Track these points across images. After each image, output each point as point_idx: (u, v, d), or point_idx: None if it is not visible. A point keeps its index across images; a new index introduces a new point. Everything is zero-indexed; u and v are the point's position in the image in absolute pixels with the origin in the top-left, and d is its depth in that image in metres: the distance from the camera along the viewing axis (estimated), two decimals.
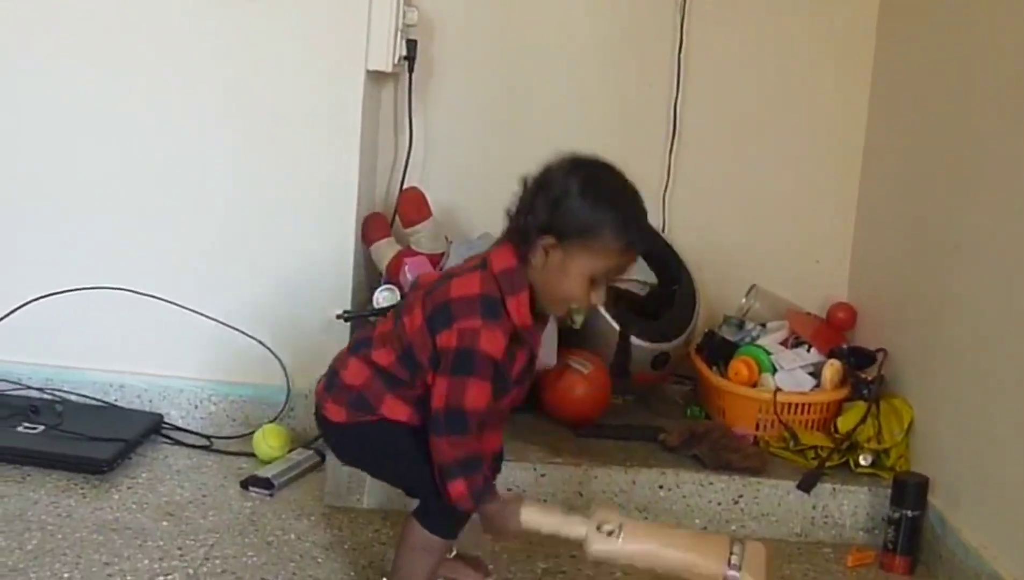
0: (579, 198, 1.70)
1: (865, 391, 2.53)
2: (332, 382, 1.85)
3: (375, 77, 2.71)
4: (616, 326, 2.62)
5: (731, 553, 1.68)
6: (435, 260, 2.65)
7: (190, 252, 2.67)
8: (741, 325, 2.78)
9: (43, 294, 2.62)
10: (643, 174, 2.90)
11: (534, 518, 1.74)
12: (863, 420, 2.46)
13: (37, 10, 2.60)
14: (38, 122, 2.64)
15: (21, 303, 2.63)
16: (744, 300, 2.87)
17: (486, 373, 1.70)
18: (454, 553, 2.01)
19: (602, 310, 2.59)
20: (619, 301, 2.70)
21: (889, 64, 2.87)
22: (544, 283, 1.73)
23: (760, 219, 3.02)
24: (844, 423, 2.49)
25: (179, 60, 2.62)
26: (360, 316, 2.55)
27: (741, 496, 2.36)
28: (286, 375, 2.67)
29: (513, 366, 1.79)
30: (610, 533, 1.68)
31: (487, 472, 1.79)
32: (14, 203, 2.66)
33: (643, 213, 1.79)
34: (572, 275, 1.72)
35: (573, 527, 1.71)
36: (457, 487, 1.72)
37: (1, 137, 2.65)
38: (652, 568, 1.74)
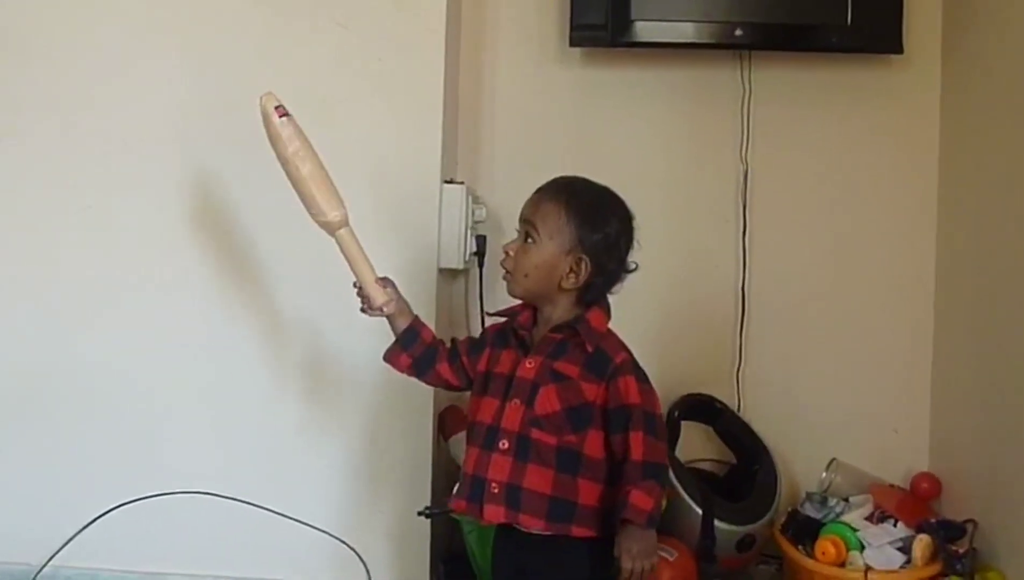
0: None
1: (959, 566, 2.46)
2: None
3: (447, 273, 2.79)
4: (699, 510, 2.59)
5: None
6: None
7: (267, 452, 2.71)
8: (824, 501, 2.73)
9: (124, 501, 2.67)
10: (713, 354, 2.98)
11: None
12: None
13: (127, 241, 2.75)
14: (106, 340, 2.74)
15: (102, 512, 2.67)
16: (824, 474, 2.83)
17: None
18: None
19: (684, 494, 2.57)
20: (700, 483, 2.68)
21: (953, 228, 2.89)
22: None
23: (834, 391, 2.99)
24: None
25: (250, 272, 2.72)
26: (442, 512, 2.55)
27: None
28: (368, 574, 2.66)
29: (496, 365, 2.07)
30: None
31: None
32: (94, 409, 2.73)
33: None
34: None
35: None
36: None
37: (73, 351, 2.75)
38: None
